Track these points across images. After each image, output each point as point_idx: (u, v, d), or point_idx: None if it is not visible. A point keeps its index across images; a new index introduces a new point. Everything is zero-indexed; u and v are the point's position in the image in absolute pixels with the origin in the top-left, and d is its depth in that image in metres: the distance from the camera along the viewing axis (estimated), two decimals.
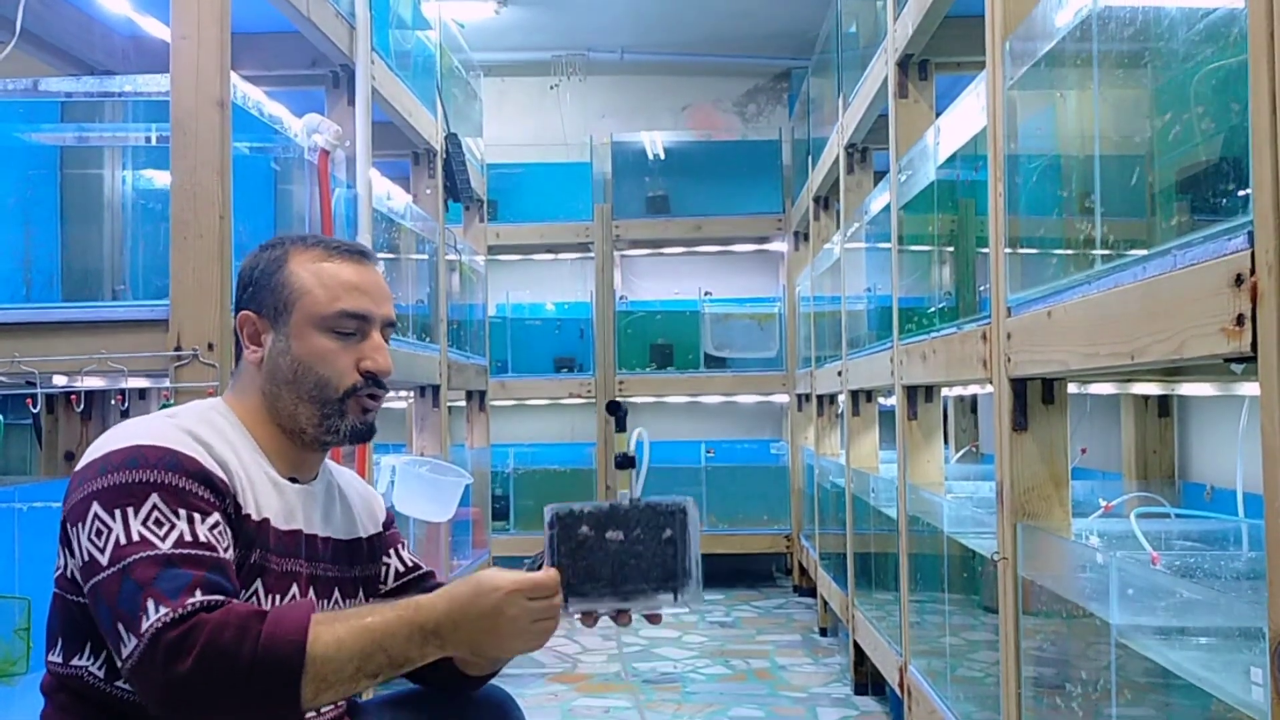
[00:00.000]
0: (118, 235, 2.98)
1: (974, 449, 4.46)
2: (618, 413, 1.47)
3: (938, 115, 2.76)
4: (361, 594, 1.51)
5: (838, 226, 4.57)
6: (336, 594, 1.45)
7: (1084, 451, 3.11)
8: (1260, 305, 1.07)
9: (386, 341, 1.45)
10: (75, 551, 1.20)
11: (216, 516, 1.23)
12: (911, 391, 3.02)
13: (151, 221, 2.73)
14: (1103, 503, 2.27)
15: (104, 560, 1.16)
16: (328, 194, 2.85)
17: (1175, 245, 1.30)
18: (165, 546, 1.16)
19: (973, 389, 3.98)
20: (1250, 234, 1.09)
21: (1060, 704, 1.94)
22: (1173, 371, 2.11)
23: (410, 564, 1.58)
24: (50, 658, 1.29)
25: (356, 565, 1.50)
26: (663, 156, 6.69)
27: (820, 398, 5.24)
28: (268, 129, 2.70)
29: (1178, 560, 1.67)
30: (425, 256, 4.19)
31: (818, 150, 5.13)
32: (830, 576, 4.68)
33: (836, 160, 4.38)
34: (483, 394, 5.33)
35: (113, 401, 3.23)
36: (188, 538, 1.17)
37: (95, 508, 1.18)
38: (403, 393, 4.65)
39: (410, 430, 4.34)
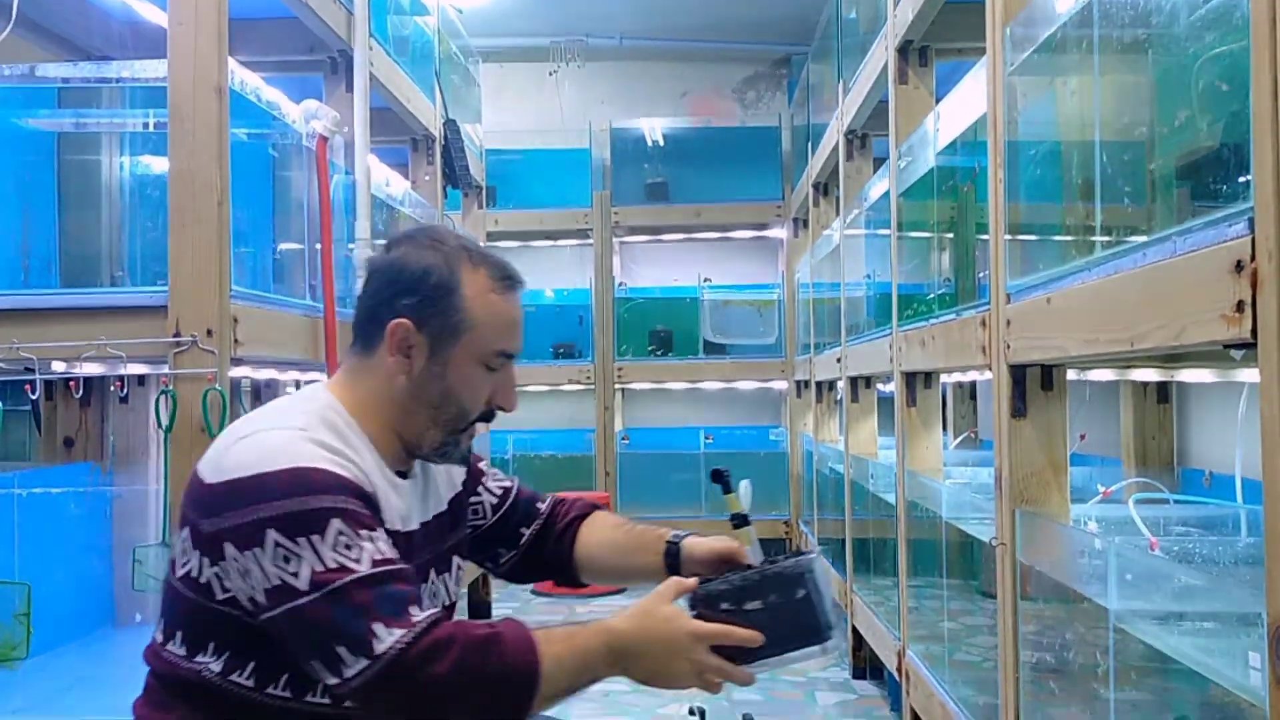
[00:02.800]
0: (116, 221, 2.98)
1: (973, 435, 4.47)
2: (722, 478, 1.55)
3: (938, 101, 2.76)
4: (467, 550, 1.56)
5: (837, 213, 4.57)
6: (455, 560, 1.50)
7: (1083, 438, 3.12)
8: (1260, 291, 1.07)
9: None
10: (244, 572, 1.23)
11: (383, 530, 1.27)
12: (910, 378, 3.02)
13: (150, 207, 2.72)
14: (1101, 489, 2.28)
15: (302, 586, 1.20)
16: (326, 180, 2.84)
17: (1175, 232, 1.30)
18: (364, 568, 1.21)
19: (972, 375, 3.98)
20: (1251, 220, 1.09)
21: (1058, 688, 1.95)
22: (1172, 358, 2.11)
23: (499, 492, 1.62)
24: (169, 647, 1.32)
25: (459, 527, 1.53)
26: (662, 143, 6.68)
27: (819, 384, 5.24)
28: (266, 115, 2.69)
29: (1176, 546, 1.67)
30: None
31: (817, 137, 5.12)
32: (829, 562, 4.69)
33: (836, 147, 4.37)
34: None
35: (112, 388, 3.23)
36: (377, 556, 1.22)
37: (274, 535, 1.21)
38: None
39: None
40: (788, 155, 6.60)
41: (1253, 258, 1.09)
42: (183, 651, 1.30)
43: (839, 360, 4.27)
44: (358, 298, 1.42)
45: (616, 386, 6.52)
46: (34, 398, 2.47)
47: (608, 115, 6.76)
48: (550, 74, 6.81)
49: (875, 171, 3.74)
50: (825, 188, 5.20)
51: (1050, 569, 1.85)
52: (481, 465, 1.63)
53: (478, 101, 5.64)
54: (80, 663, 2.86)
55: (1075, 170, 1.77)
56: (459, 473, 1.55)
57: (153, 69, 2.37)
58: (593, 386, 6.43)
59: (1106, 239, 1.59)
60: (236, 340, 2.32)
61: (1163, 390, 2.84)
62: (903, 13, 2.90)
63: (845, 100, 4.11)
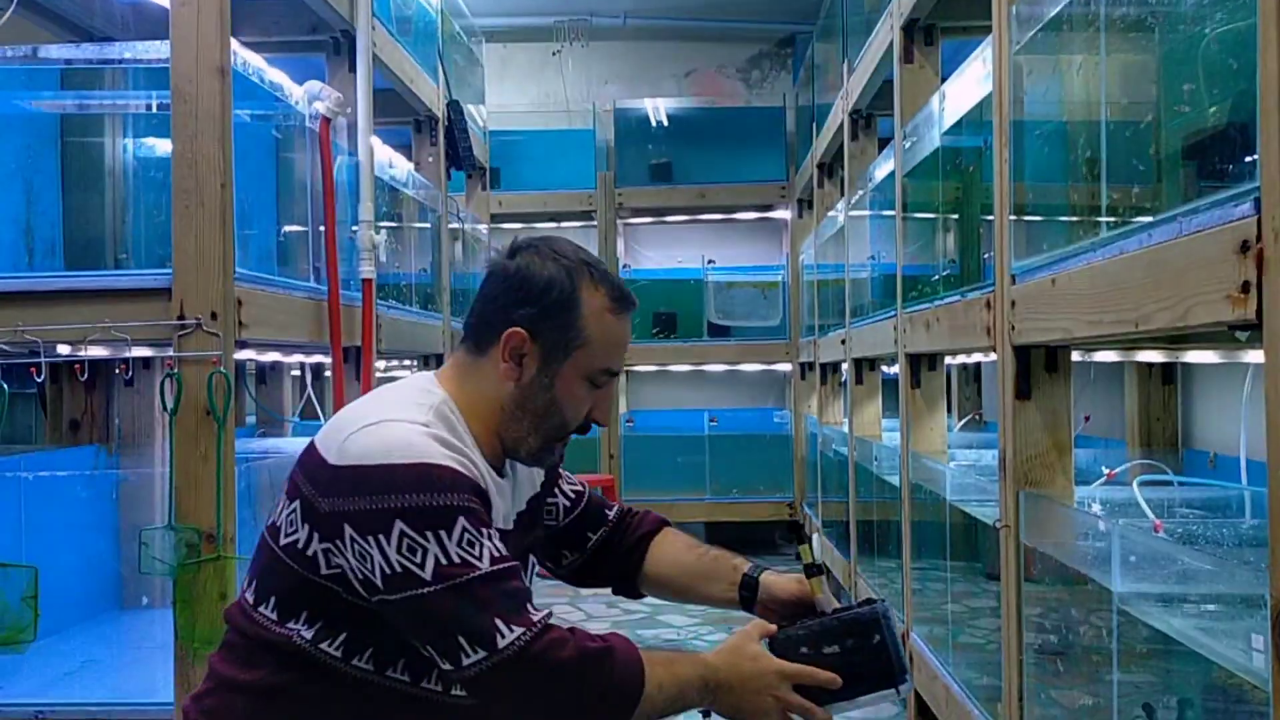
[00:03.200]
0: (119, 204, 2.98)
1: (977, 417, 4.46)
2: (799, 530, 1.63)
3: (943, 81, 2.74)
4: (543, 547, 1.61)
5: (842, 194, 4.55)
6: (532, 558, 1.55)
7: (1087, 419, 3.11)
8: (1266, 272, 1.07)
9: None
10: (362, 555, 1.28)
11: (496, 529, 1.33)
12: (915, 360, 3.01)
13: (153, 190, 2.72)
14: (1105, 470, 2.27)
15: (427, 576, 1.25)
16: (329, 162, 2.84)
17: (1181, 212, 1.30)
18: (485, 565, 1.27)
19: (976, 357, 3.97)
20: (1257, 200, 1.09)
21: (1062, 670, 1.95)
22: (1177, 339, 2.10)
23: (573, 495, 1.65)
24: (261, 610, 1.36)
25: (536, 526, 1.57)
26: (666, 123, 6.65)
27: (823, 366, 5.23)
28: (269, 96, 2.69)
29: (1180, 528, 1.67)
30: (428, 225, 4.17)
31: (822, 117, 5.10)
32: (833, 544, 4.70)
33: (841, 127, 4.35)
34: None
35: (117, 371, 3.24)
36: (495, 554, 1.28)
37: (400, 525, 1.26)
38: (405, 361, 4.66)
39: None
40: (792, 136, 6.57)
41: (1259, 238, 1.08)
42: (274, 616, 1.35)
43: (843, 342, 4.26)
44: (475, 298, 1.46)
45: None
46: (39, 381, 2.47)
47: (611, 95, 6.74)
48: (554, 54, 6.78)
49: (880, 152, 3.72)
50: (830, 168, 5.18)
51: (1054, 551, 1.85)
52: (559, 467, 1.67)
53: (481, 82, 5.62)
54: (87, 645, 2.88)
55: (1081, 150, 1.76)
56: (539, 473, 1.59)
57: (155, 50, 2.36)
58: None
59: (1111, 219, 1.59)
60: (241, 323, 2.31)
61: (1167, 371, 2.83)
62: None
63: (850, 80, 4.08)
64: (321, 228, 2.90)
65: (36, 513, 2.80)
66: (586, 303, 1.39)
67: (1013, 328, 1.94)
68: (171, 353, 2.25)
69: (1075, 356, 2.03)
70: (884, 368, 4.14)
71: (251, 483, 2.85)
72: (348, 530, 1.28)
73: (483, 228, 5.38)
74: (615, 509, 1.68)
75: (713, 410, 6.51)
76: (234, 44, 2.33)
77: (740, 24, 6.72)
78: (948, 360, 3.43)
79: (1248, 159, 1.14)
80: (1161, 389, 2.84)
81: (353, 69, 3.19)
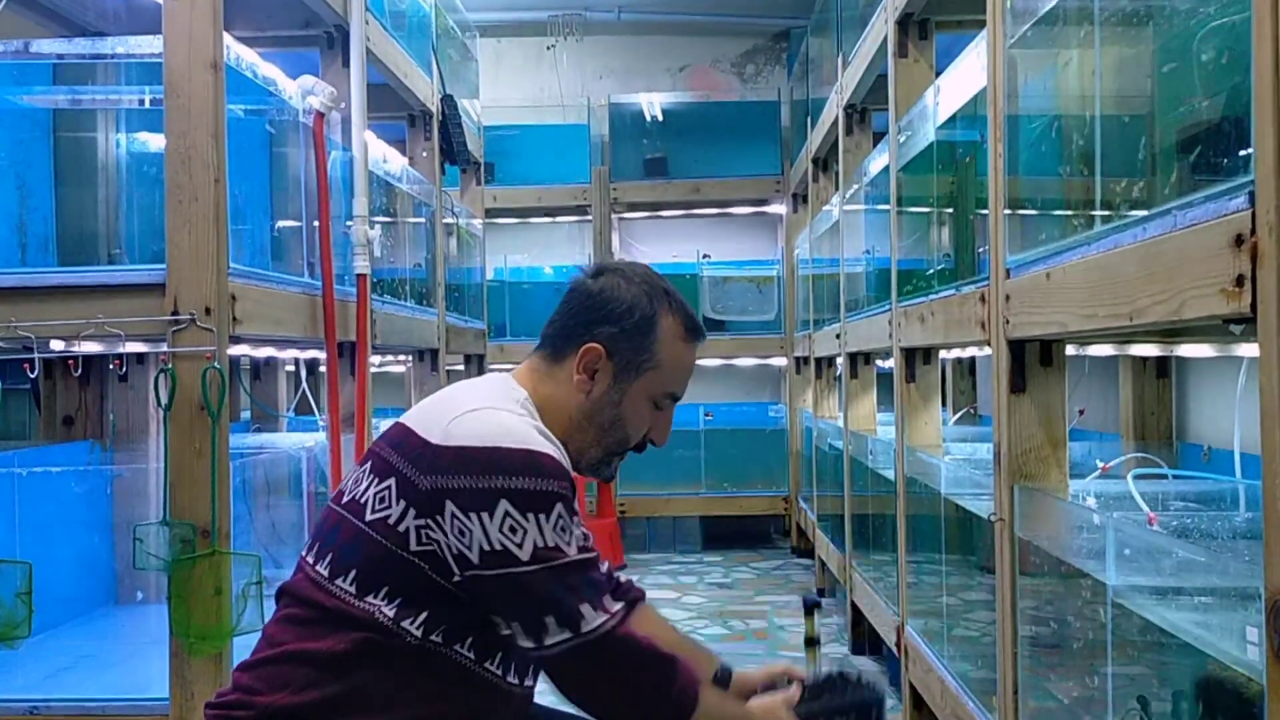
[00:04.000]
0: (113, 199, 2.97)
1: (972, 411, 4.47)
2: (806, 605, 1.77)
3: (938, 75, 2.74)
4: None
5: (836, 188, 4.55)
6: None
7: (1082, 413, 3.12)
8: (1260, 266, 1.07)
9: None
10: (461, 531, 1.34)
11: (581, 516, 1.43)
12: (910, 354, 3.01)
13: (146, 185, 2.72)
14: (1100, 464, 2.28)
15: (524, 556, 1.33)
16: (323, 157, 2.83)
17: (1175, 205, 1.30)
18: (574, 552, 1.36)
19: (971, 351, 3.98)
20: (1251, 194, 1.09)
21: (1056, 663, 1.96)
22: (1171, 333, 2.11)
23: None
24: (338, 583, 1.40)
25: None
26: (660, 118, 6.65)
27: (818, 360, 5.24)
28: (262, 91, 2.68)
29: (1175, 521, 1.67)
30: (422, 220, 4.17)
31: (817, 111, 5.10)
32: (828, 538, 4.70)
33: (835, 121, 4.35)
34: (481, 358, 5.33)
35: (111, 366, 3.23)
36: (583, 541, 1.39)
37: (505, 505, 1.33)
38: (401, 357, 4.65)
39: (409, 394, 4.34)
40: (787, 130, 6.57)
41: (1253, 232, 1.08)
42: (353, 589, 1.39)
43: (838, 336, 4.26)
44: (557, 310, 1.57)
45: None
46: (33, 376, 2.47)
47: (606, 90, 6.73)
48: (548, 48, 6.77)
49: (875, 146, 3.72)
50: (825, 163, 5.18)
51: (1049, 544, 1.85)
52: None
53: (475, 76, 5.61)
54: (82, 641, 2.87)
55: (1075, 144, 1.76)
56: None
57: (148, 45, 2.36)
58: None
59: (1106, 213, 1.59)
60: (235, 318, 2.31)
61: (1162, 365, 2.84)
62: None
63: (845, 74, 4.08)
64: (316, 223, 2.89)
65: (31, 508, 2.80)
66: (663, 328, 1.50)
67: (1007, 321, 1.94)
68: (165, 348, 2.24)
69: (1070, 350, 2.03)
70: (879, 362, 4.14)
71: (246, 478, 2.85)
72: (449, 506, 1.34)
73: (477, 222, 5.37)
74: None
75: (708, 404, 6.51)
76: (227, 39, 2.32)
77: (735, 18, 6.71)
78: (943, 354, 3.43)
79: (1242, 152, 1.14)
80: (1156, 382, 2.84)
81: (346, 64, 3.18)
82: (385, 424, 3.40)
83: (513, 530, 1.33)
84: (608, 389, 1.50)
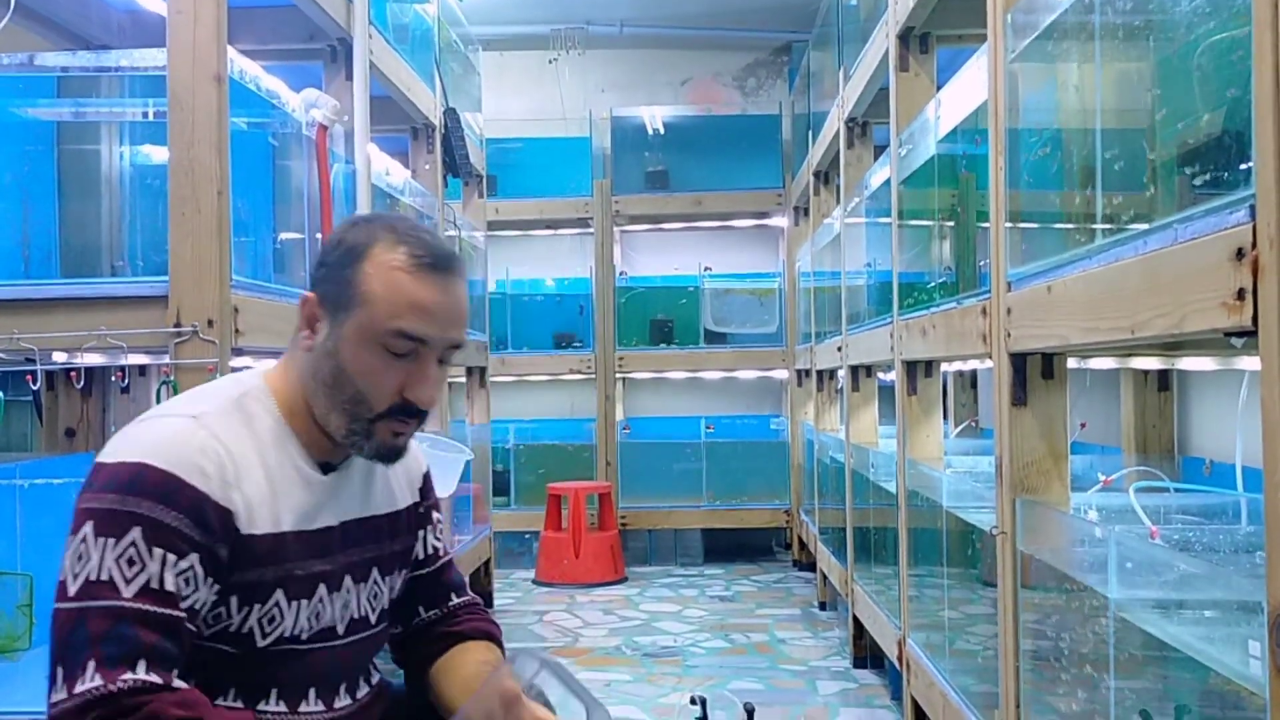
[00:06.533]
0: (116, 211, 2.97)
1: (973, 424, 4.47)
2: (698, 702, 1.70)
3: (939, 89, 2.75)
4: (399, 569, 1.46)
5: (838, 201, 4.56)
6: (375, 574, 1.41)
7: (1083, 426, 3.12)
8: (1261, 279, 1.07)
9: (446, 364, 1.33)
10: (65, 556, 1.17)
11: (193, 559, 1.19)
12: (911, 366, 3.02)
13: (150, 197, 2.72)
14: (1102, 477, 2.28)
15: (72, 590, 1.14)
16: (326, 169, 2.84)
17: (1176, 219, 1.30)
18: (126, 594, 1.13)
19: (972, 364, 3.98)
20: (1252, 208, 1.09)
21: (1059, 677, 1.95)
22: (1173, 346, 2.11)
23: (428, 553, 1.52)
24: None
25: (397, 538, 1.45)
26: (662, 131, 6.66)
27: (820, 373, 5.24)
28: (265, 104, 2.69)
29: (1177, 534, 1.67)
30: None
31: (818, 125, 5.11)
32: (829, 551, 4.70)
33: (837, 135, 4.36)
34: (483, 370, 5.33)
35: (113, 378, 3.23)
36: (154, 584, 1.15)
37: (87, 528, 1.16)
38: None
39: None
40: (788, 143, 6.58)
41: (1254, 245, 1.08)
42: None
43: (840, 349, 4.27)
44: None
45: (617, 376, 6.53)
46: (35, 388, 2.47)
47: (608, 103, 6.75)
48: (550, 62, 6.79)
49: (876, 159, 3.73)
50: (826, 176, 5.19)
51: (1051, 558, 1.85)
52: (436, 512, 1.54)
53: (478, 90, 5.63)
54: None
55: (1076, 158, 1.76)
56: (412, 487, 1.48)
57: (152, 58, 2.36)
58: (593, 376, 6.43)
59: (1107, 227, 1.59)
60: (237, 330, 2.31)
61: (1163, 378, 2.84)
62: None
63: (846, 88, 4.09)
64: (319, 235, 2.90)
65: (32, 520, 2.79)
66: (375, 256, 1.27)
67: (1009, 334, 1.94)
68: (168, 360, 2.25)
69: (1071, 363, 2.03)
70: (880, 374, 4.14)
71: None
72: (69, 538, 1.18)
73: (479, 235, 5.38)
74: (464, 599, 1.54)
75: (709, 417, 6.51)
76: (231, 52, 2.33)
77: (736, 32, 6.73)
78: (944, 367, 3.43)
79: (1243, 166, 1.14)
80: (1157, 395, 2.84)
81: (350, 77, 3.20)
82: None
83: (79, 558, 1.14)
84: (324, 338, 1.29)
